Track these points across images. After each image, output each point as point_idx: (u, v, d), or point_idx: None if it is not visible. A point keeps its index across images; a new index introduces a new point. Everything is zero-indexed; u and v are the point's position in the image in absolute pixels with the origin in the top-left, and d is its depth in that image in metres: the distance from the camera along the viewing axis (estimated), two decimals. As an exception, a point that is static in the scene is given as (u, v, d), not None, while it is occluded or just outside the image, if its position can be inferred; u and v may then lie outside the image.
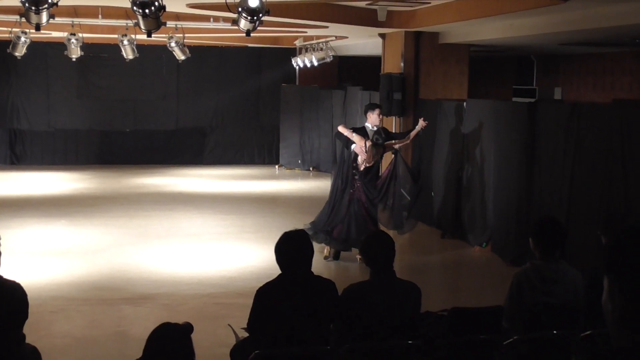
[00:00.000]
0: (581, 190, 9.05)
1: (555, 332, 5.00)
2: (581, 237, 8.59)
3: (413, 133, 10.84)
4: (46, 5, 7.49)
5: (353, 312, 4.94)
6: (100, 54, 19.73)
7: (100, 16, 13.00)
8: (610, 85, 17.16)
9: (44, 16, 7.95)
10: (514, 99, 17.52)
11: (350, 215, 10.41)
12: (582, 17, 10.48)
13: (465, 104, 12.34)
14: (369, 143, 10.33)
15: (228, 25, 13.16)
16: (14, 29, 14.36)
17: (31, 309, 4.90)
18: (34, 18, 8.05)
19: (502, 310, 5.19)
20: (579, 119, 9.12)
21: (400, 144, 10.93)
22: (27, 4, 7.49)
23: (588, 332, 4.88)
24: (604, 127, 8.69)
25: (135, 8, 7.64)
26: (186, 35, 14.90)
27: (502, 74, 21.21)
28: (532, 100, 14.95)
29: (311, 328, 4.87)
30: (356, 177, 10.44)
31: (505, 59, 20.48)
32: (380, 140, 10.52)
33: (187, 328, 3.97)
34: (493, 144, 11.15)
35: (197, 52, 18.29)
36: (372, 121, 10.74)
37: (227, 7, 7.66)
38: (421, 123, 10.77)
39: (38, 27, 8.34)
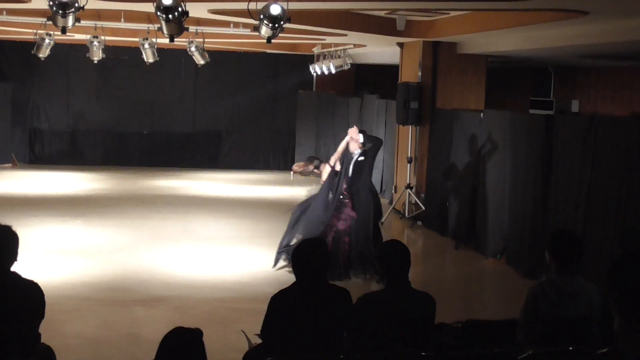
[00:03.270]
0: (598, 203, 9.02)
1: (570, 347, 4.98)
2: (597, 251, 8.56)
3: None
4: (73, 9, 7.56)
5: (367, 322, 4.94)
6: (121, 57, 19.88)
7: (122, 19, 13.09)
8: (628, 98, 17.08)
9: (70, 20, 8.03)
10: (531, 111, 17.47)
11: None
12: (601, 30, 10.45)
13: (482, 114, 12.33)
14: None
15: (248, 31, 13.21)
16: (39, 31, 14.53)
17: (46, 308, 4.95)
18: (60, 21, 8.12)
19: (517, 324, 5.17)
20: (597, 132, 9.10)
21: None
22: (54, 8, 7.56)
23: (604, 350, 4.83)
24: (621, 141, 8.66)
25: (159, 13, 7.68)
26: (206, 40, 14.97)
27: (519, 85, 21.15)
28: (549, 112, 14.89)
29: (324, 336, 4.88)
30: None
31: (522, 70, 20.43)
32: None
33: (198, 333, 3.98)
34: (509, 155, 11.12)
35: (216, 57, 18.37)
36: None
37: (249, 14, 7.68)
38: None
39: (64, 30, 8.41)
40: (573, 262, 5.08)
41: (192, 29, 13.26)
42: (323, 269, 4.91)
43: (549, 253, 5.13)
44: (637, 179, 8.28)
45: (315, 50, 19.51)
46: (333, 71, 18.08)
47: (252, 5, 7.65)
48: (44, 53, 15.62)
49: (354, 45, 16.93)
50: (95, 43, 15.42)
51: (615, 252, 5.59)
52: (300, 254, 4.93)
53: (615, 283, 2.12)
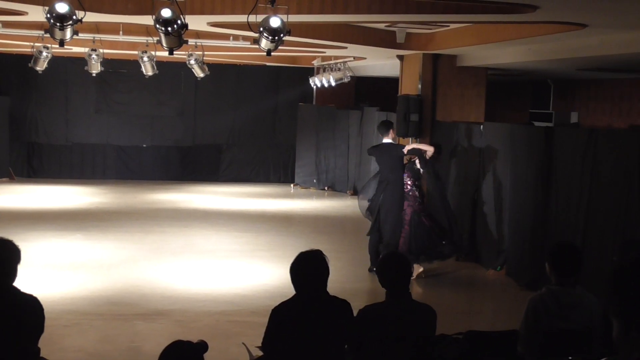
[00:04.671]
0: (597, 215, 9.03)
1: (570, 357, 4.98)
2: (597, 262, 8.56)
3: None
4: (71, 22, 7.56)
5: (368, 334, 4.94)
6: (120, 70, 19.89)
7: (121, 32, 13.11)
8: (627, 111, 17.12)
9: (68, 32, 8.02)
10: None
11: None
12: (600, 43, 10.49)
13: (482, 127, 12.34)
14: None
15: (247, 44, 13.24)
16: (36, 44, 14.51)
17: (45, 323, 4.93)
18: (58, 34, 8.12)
19: (518, 335, 5.17)
20: (596, 145, 9.11)
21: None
22: (52, 20, 7.56)
23: (604, 359, 4.84)
24: (620, 153, 8.68)
25: (158, 26, 7.69)
26: (205, 52, 14.98)
27: (519, 98, 21.20)
28: (549, 124, 14.93)
29: (326, 348, 4.87)
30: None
31: (522, 83, 20.47)
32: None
33: (202, 346, 3.97)
34: (509, 167, 11.13)
35: (216, 70, 18.40)
36: (393, 138, 11.26)
37: (249, 27, 7.69)
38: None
39: (62, 43, 8.42)
40: (573, 273, 5.09)
41: (191, 41, 13.28)
42: (322, 281, 4.90)
43: (550, 264, 5.14)
44: (636, 191, 8.29)
45: (315, 63, 19.53)
46: (333, 84, 18.10)
47: (252, 18, 7.66)
48: (41, 66, 15.60)
49: (354, 58, 16.96)
50: (94, 56, 15.41)
51: (615, 264, 5.58)
52: (299, 267, 4.91)
53: (615, 290, 2.13)
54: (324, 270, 4.92)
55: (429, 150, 10.83)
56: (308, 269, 4.90)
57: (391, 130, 11.15)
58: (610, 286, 2.19)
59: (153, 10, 7.95)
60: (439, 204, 11.04)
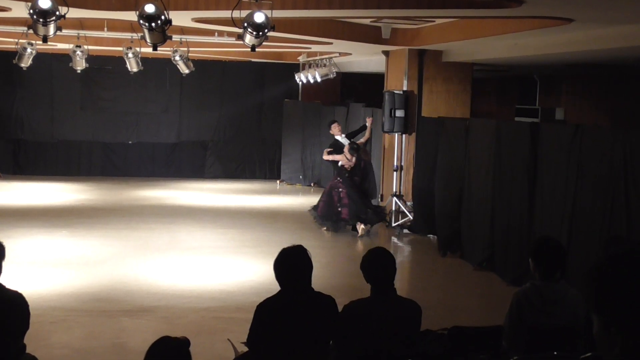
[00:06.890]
0: (582, 211, 9.05)
1: (555, 353, 4.98)
2: (582, 258, 8.59)
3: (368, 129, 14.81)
4: (54, 18, 7.52)
5: (353, 329, 4.94)
6: (105, 66, 19.81)
7: (105, 29, 13.04)
8: (611, 107, 17.19)
9: (52, 28, 7.98)
10: (517, 119, 17.56)
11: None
12: (585, 38, 10.52)
13: (467, 122, 12.34)
14: (347, 150, 13.58)
15: (232, 40, 13.20)
16: (20, 40, 14.43)
17: (31, 319, 4.91)
18: (41, 30, 8.07)
19: (502, 330, 5.17)
20: (581, 141, 9.13)
21: (365, 138, 14.71)
22: (35, 16, 7.51)
23: (588, 355, 4.84)
24: (606, 149, 8.69)
25: (141, 22, 7.65)
26: (190, 49, 14.94)
27: (504, 94, 21.24)
28: (535, 120, 14.97)
29: (311, 344, 4.87)
30: (347, 176, 13.69)
31: (508, 79, 20.52)
32: (354, 145, 13.73)
33: (185, 342, 3.97)
34: (495, 163, 11.14)
35: (201, 66, 18.35)
36: (336, 132, 14.59)
37: (233, 22, 7.68)
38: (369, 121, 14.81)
39: (45, 39, 8.36)
40: (557, 268, 5.09)
41: (176, 37, 13.23)
42: (306, 275, 4.90)
43: (533, 260, 5.13)
44: (622, 188, 8.32)
45: (301, 59, 19.51)
46: (319, 80, 18.08)
47: (236, 14, 7.65)
48: (26, 63, 15.50)
49: (340, 53, 16.95)
50: (79, 52, 15.34)
51: (595, 259, 5.59)
52: (284, 263, 4.90)
53: (595, 285, 2.13)
54: (308, 265, 4.92)
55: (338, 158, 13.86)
56: (291, 264, 4.90)
57: (333, 126, 14.84)
58: (589, 281, 2.20)
59: (137, 6, 7.92)
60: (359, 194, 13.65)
